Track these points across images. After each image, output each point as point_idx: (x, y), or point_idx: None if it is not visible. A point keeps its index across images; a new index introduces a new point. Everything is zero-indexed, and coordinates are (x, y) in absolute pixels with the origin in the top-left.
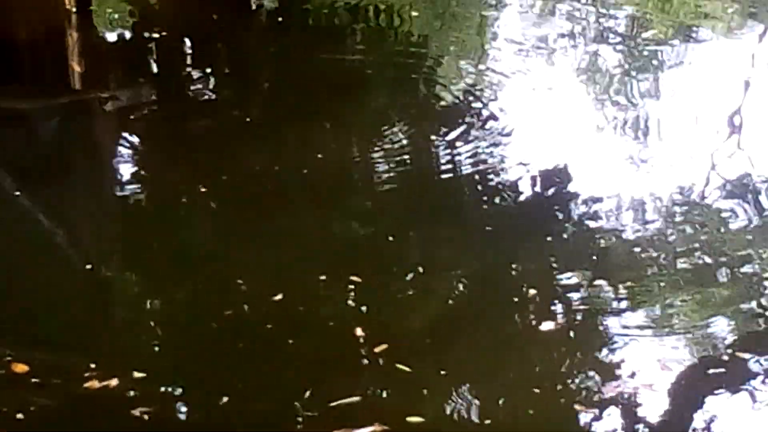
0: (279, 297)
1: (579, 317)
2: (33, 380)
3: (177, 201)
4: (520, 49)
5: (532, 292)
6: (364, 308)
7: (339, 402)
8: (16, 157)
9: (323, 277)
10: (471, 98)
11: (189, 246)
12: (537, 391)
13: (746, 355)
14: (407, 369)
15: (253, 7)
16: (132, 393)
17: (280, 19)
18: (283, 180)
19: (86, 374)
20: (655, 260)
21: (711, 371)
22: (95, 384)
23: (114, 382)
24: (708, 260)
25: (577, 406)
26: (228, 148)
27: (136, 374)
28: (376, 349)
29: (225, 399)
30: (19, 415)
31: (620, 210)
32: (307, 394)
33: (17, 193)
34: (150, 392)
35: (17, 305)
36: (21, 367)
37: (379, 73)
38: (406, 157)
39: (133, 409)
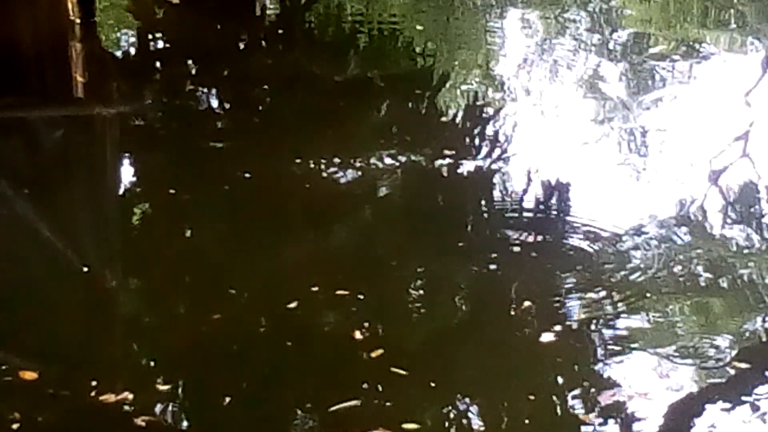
0: (292, 305)
1: (577, 328)
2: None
3: (178, 210)
4: (523, 64)
5: (531, 303)
6: (361, 318)
7: (339, 406)
8: (19, 166)
9: (323, 288)
10: (473, 114)
11: (188, 255)
12: (532, 398)
13: (745, 365)
14: (403, 372)
15: (258, 12)
16: (134, 402)
17: (280, 31)
18: (283, 192)
19: (93, 385)
20: (655, 272)
21: (709, 381)
22: (105, 396)
23: (123, 394)
24: (708, 273)
25: (572, 414)
26: (230, 159)
27: (138, 383)
28: (373, 354)
29: (226, 402)
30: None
31: (621, 223)
32: (309, 398)
33: (19, 201)
34: (151, 401)
35: (18, 313)
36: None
37: (382, 87)
38: (407, 171)
39: (136, 418)
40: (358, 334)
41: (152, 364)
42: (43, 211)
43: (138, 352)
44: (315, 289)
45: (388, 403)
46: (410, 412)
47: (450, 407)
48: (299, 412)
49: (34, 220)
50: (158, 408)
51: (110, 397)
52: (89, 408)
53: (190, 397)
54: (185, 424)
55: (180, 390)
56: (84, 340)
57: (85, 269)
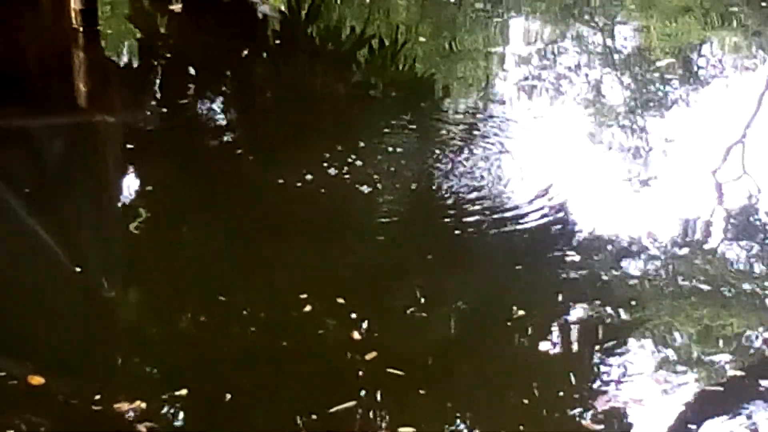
0: (307, 308)
1: (573, 336)
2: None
3: (179, 221)
4: (527, 76)
5: (531, 313)
6: (359, 326)
7: (337, 408)
8: (23, 176)
9: (321, 297)
10: (475, 129)
11: (189, 265)
12: (527, 402)
13: (741, 373)
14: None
15: (260, 22)
16: (136, 409)
17: (279, 41)
18: (283, 203)
19: (100, 392)
20: (652, 281)
21: (705, 388)
22: (119, 404)
23: (135, 403)
24: (706, 283)
25: (567, 419)
26: (230, 170)
27: (138, 390)
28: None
29: (228, 401)
30: None
31: (621, 234)
32: (308, 402)
33: (21, 209)
34: (154, 407)
35: (18, 321)
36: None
37: (384, 99)
38: (409, 184)
39: (140, 423)
40: (356, 335)
41: (155, 370)
42: (46, 219)
43: (140, 359)
44: (311, 297)
45: (384, 405)
46: (406, 415)
47: (445, 411)
48: (299, 414)
49: (36, 228)
50: (161, 413)
51: (123, 406)
52: (96, 416)
53: (192, 400)
54: (188, 426)
55: (183, 394)
56: (89, 347)
57: (84, 274)
